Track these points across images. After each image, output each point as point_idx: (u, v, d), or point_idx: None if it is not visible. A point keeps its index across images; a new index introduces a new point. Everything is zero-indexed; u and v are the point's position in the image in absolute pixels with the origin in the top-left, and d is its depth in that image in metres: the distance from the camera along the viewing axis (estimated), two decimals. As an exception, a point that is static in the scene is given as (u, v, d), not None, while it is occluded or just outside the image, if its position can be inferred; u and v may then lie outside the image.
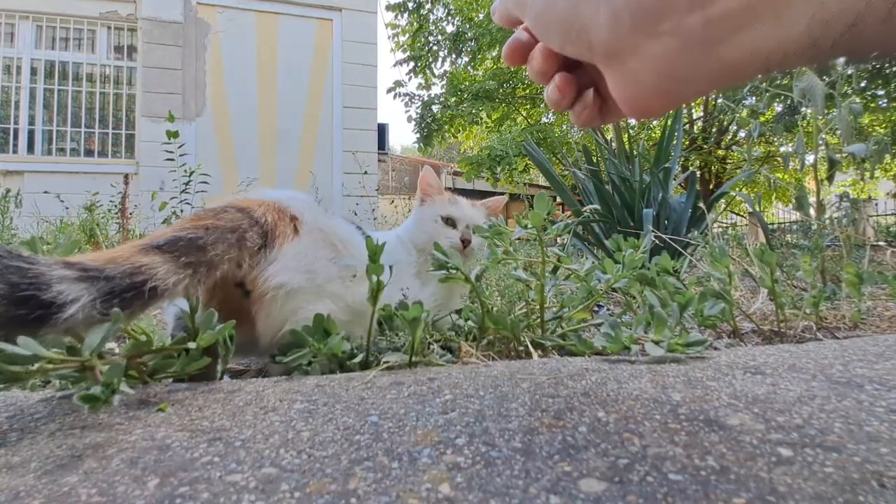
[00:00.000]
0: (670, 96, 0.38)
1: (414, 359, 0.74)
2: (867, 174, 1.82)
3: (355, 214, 5.09)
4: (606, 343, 0.76)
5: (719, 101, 9.67)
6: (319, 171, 6.12)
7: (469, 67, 11.00)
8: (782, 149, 8.60)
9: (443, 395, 0.56)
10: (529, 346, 0.85)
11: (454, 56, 10.41)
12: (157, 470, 0.39)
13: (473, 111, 10.33)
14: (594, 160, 2.65)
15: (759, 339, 1.03)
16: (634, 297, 1.06)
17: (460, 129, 11.15)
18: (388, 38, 11.86)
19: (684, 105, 10.37)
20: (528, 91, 10.95)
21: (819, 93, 1.78)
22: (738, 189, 4.00)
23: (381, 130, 7.33)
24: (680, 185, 3.59)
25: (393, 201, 5.43)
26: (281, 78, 6.37)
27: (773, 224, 8.15)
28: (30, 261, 0.50)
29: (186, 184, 3.70)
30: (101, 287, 0.52)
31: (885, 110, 7.90)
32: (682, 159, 8.65)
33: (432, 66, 10.53)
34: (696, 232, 1.85)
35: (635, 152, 2.56)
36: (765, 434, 0.44)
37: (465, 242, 1.00)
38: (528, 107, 11.39)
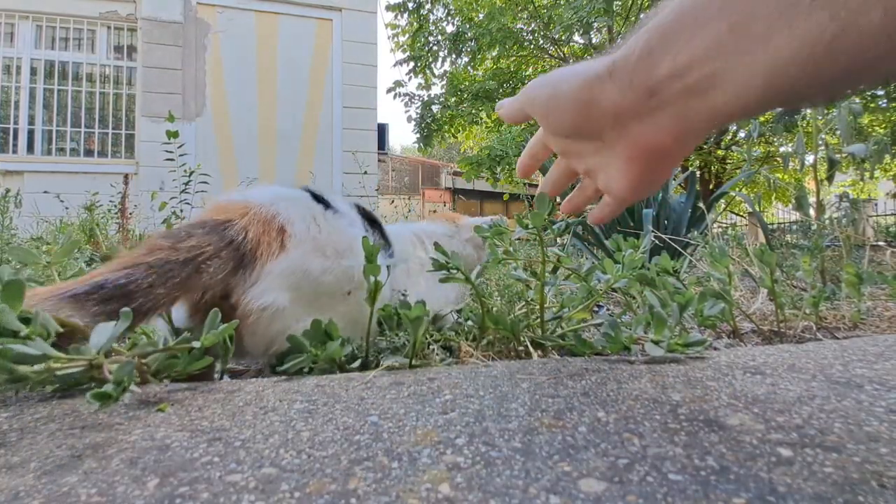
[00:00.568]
0: (668, 151, 0.47)
1: (414, 360, 0.74)
2: (867, 174, 1.82)
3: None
4: (606, 343, 0.76)
5: (719, 101, 9.66)
6: (319, 171, 6.12)
7: (469, 67, 11.01)
8: (782, 149, 8.61)
9: (443, 395, 0.56)
10: (529, 346, 0.85)
11: (454, 56, 10.42)
12: (157, 470, 0.39)
13: (473, 111, 10.33)
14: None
15: (758, 339, 1.03)
16: (634, 298, 1.06)
17: (460, 129, 11.16)
18: (388, 38, 11.86)
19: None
20: (527, 91, 10.94)
21: (819, 93, 1.77)
22: (737, 189, 4.01)
23: (381, 130, 7.33)
24: (680, 185, 3.59)
25: (393, 201, 5.43)
26: (281, 78, 6.38)
27: (772, 224, 8.15)
28: None
29: (186, 184, 3.70)
30: None
31: (885, 110, 7.90)
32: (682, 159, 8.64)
33: (432, 66, 10.54)
34: (695, 232, 1.85)
35: (635, 152, 2.56)
36: (764, 434, 0.44)
37: None
38: (528, 107, 11.37)
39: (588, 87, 0.47)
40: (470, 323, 0.90)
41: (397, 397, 0.56)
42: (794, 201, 1.93)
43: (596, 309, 1.33)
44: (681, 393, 0.55)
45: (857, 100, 1.92)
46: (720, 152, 10.31)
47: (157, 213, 3.43)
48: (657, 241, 1.81)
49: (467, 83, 10.44)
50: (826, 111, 1.92)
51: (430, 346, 0.83)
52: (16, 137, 5.81)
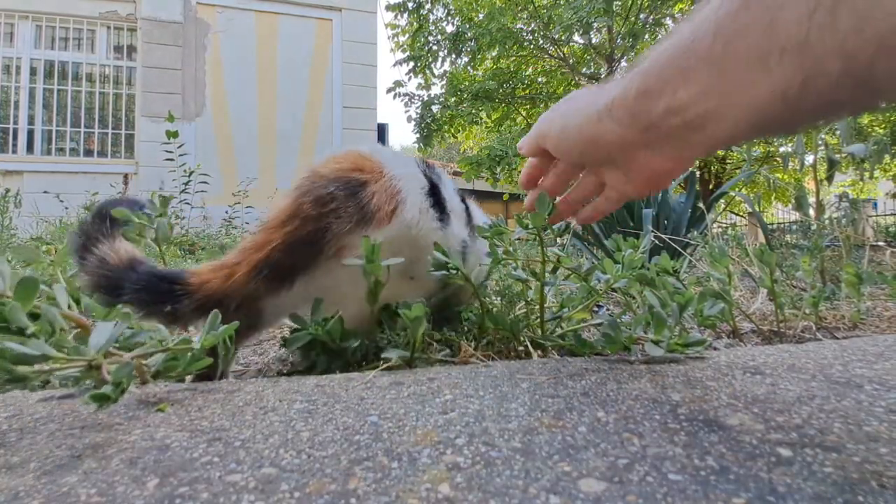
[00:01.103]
0: (672, 170, 0.56)
1: (415, 355, 0.74)
2: (866, 174, 1.82)
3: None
4: (606, 343, 0.76)
5: (719, 101, 9.67)
6: (319, 171, 6.11)
7: (469, 67, 11.01)
8: (782, 149, 8.61)
9: (442, 394, 0.56)
10: (529, 345, 0.85)
11: (454, 56, 10.42)
12: (157, 470, 0.39)
13: (473, 111, 10.34)
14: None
15: (758, 339, 1.03)
16: (634, 298, 1.06)
17: (460, 129, 11.16)
18: (388, 38, 11.86)
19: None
20: (527, 91, 10.96)
21: (818, 93, 1.78)
22: (737, 189, 4.01)
23: (381, 130, 7.34)
24: (679, 184, 3.59)
25: (393, 201, 5.41)
26: (281, 78, 6.38)
27: (772, 224, 8.15)
28: None
29: (186, 184, 3.70)
30: None
31: (885, 110, 7.91)
32: (682, 159, 8.62)
33: (432, 66, 10.54)
34: (695, 232, 1.85)
35: (635, 152, 2.56)
36: (764, 434, 0.44)
37: None
38: (528, 107, 11.40)
39: (591, 124, 0.53)
40: (470, 323, 0.90)
41: (397, 397, 0.56)
42: (793, 201, 1.94)
43: (596, 309, 1.33)
44: (680, 393, 0.55)
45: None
46: (720, 152, 10.31)
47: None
48: (657, 241, 1.81)
49: (467, 83, 10.44)
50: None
51: (431, 346, 0.83)
52: (15, 137, 5.81)
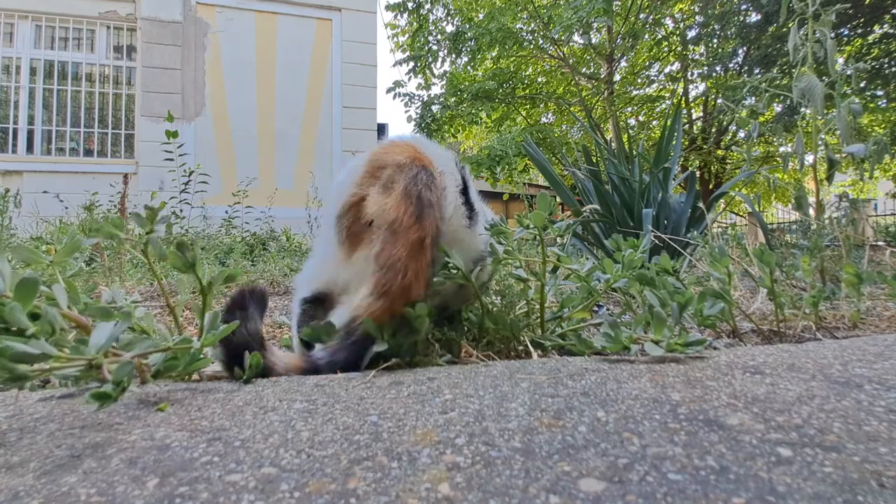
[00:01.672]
0: None
1: (416, 358, 0.74)
2: (866, 174, 1.82)
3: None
4: (606, 343, 0.76)
5: (719, 101, 9.70)
6: (319, 171, 6.11)
7: (469, 67, 11.00)
8: (782, 149, 8.61)
9: (442, 394, 0.56)
10: (529, 345, 0.85)
11: (454, 56, 10.41)
12: (157, 470, 0.39)
13: (473, 111, 10.33)
14: (594, 160, 2.65)
15: (758, 339, 1.03)
16: (634, 297, 1.06)
17: (460, 129, 11.15)
18: (388, 38, 11.85)
19: (684, 105, 10.39)
20: (527, 91, 10.96)
21: (818, 93, 1.78)
22: (737, 189, 4.01)
23: (381, 130, 7.33)
24: (679, 185, 3.59)
25: (392, 201, 5.41)
26: (280, 78, 6.37)
27: (772, 224, 8.15)
28: None
29: (186, 183, 3.70)
30: None
31: (885, 110, 7.91)
32: (682, 159, 8.67)
33: (432, 66, 10.53)
34: (695, 232, 1.85)
35: (635, 152, 2.56)
36: (764, 434, 0.44)
37: None
38: (528, 107, 11.39)
39: None
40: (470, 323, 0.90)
41: (397, 397, 0.56)
42: (793, 201, 1.93)
43: (596, 308, 1.33)
44: (680, 393, 0.55)
45: (857, 100, 1.92)
46: (720, 152, 10.31)
47: (156, 213, 3.42)
48: (657, 241, 1.81)
49: (467, 83, 10.43)
50: (826, 111, 1.93)
51: (432, 346, 0.83)
52: (15, 137, 5.81)
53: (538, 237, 0.86)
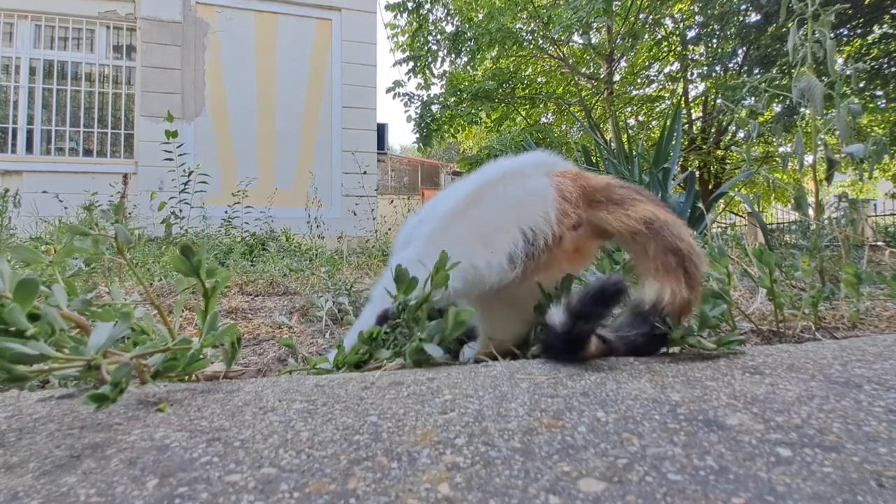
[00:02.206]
0: None
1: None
2: (866, 175, 1.82)
3: (354, 215, 5.08)
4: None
5: (718, 101, 9.70)
6: (319, 171, 6.11)
7: (468, 67, 11.01)
8: (781, 149, 8.62)
9: (442, 394, 0.56)
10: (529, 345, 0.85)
11: (453, 56, 10.41)
12: (156, 470, 0.39)
13: (473, 111, 10.33)
14: (594, 160, 2.65)
15: (757, 340, 1.03)
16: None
17: (460, 129, 11.16)
18: (388, 38, 11.85)
19: (683, 105, 10.38)
20: (527, 91, 10.96)
21: (818, 93, 1.78)
22: (736, 189, 4.01)
23: (381, 130, 7.33)
24: (679, 185, 3.59)
25: (392, 201, 5.43)
26: (280, 78, 6.37)
27: (771, 224, 8.15)
28: None
29: (185, 184, 3.70)
30: None
31: (884, 111, 7.92)
32: (682, 159, 8.66)
33: (432, 66, 10.53)
34: (694, 232, 1.85)
35: (634, 152, 2.56)
36: (764, 434, 0.44)
37: None
38: (528, 107, 11.40)
39: None
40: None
41: (397, 397, 0.56)
42: (792, 201, 1.93)
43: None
44: (680, 393, 0.55)
45: (857, 100, 1.92)
46: (719, 152, 10.32)
47: (156, 213, 3.43)
48: (656, 241, 1.81)
49: (467, 83, 10.44)
50: (825, 111, 1.93)
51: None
52: (14, 137, 5.80)
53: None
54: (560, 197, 0.78)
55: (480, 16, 10.15)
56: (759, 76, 2.37)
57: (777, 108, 7.60)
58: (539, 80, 11.31)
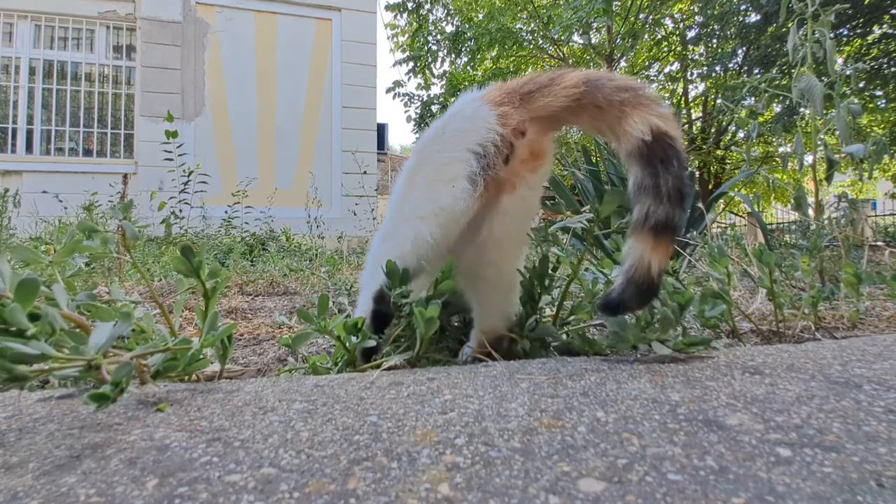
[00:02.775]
0: None
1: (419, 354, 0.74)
2: (865, 174, 1.82)
3: (354, 215, 5.08)
4: (615, 342, 0.77)
5: (718, 101, 9.70)
6: (319, 171, 6.11)
7: (468, 67, 11.01)
8: (781, 149, 8.62)
9: (442, 395, 0.56)
10: (529, 345, 0.85)
11: (453, 56, 10.41)
12: (156, 470, 0.39)
13: (473, 111, 10.30)
14: (593, 160, 2.65)
15: (757, 339, 1.03)
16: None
17: (459, 129, 11.13)
18: (388, 38, 11.85)
19: (683, 105, 10.37)
20: (527, 91, 10.94)
21: (818, 93, 1.78)
22: (736, 189, 4.01)
23: (381, 130, 7.33)
24: (679, 185, 3.58)
25: (392, 201, 5.40)
26: (280, 78, 6.37)
27: (771, 224, 8.16)
28: None
29: (185, 183, 3.70)
30: None
31: (884, 111, 7.92)
32: (681, 159, 8.63)
33: (432, 66, 10.53)
34: (694, 232, 1.85)
35: (634, 152, 2.56)
36: (763, 434, 0.44)
37: None
38: (528, 107, 11.37)
39: None
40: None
41: (396, 397, 0.56)
42: (792, 201, 1.94)
43: (595, 309, 1.33)
44: (680, 393, 0.55)
45: (856, 100, 1.93)
46: (719, 152, 10.32)
47: (156, 213, 3.43)
48: (656, 241, 1.80)
49: (467, 83, 10.44)
50: (825, 111, 1.93)
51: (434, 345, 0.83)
52: (14, 137, 5.80)
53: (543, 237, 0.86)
54: (492, 104, 0.78)
55: (480, 16, 10.15)
56: (759, 76, 2.37)
57: (777, 108, 7.60)
58: (539, 80, 11.29)
